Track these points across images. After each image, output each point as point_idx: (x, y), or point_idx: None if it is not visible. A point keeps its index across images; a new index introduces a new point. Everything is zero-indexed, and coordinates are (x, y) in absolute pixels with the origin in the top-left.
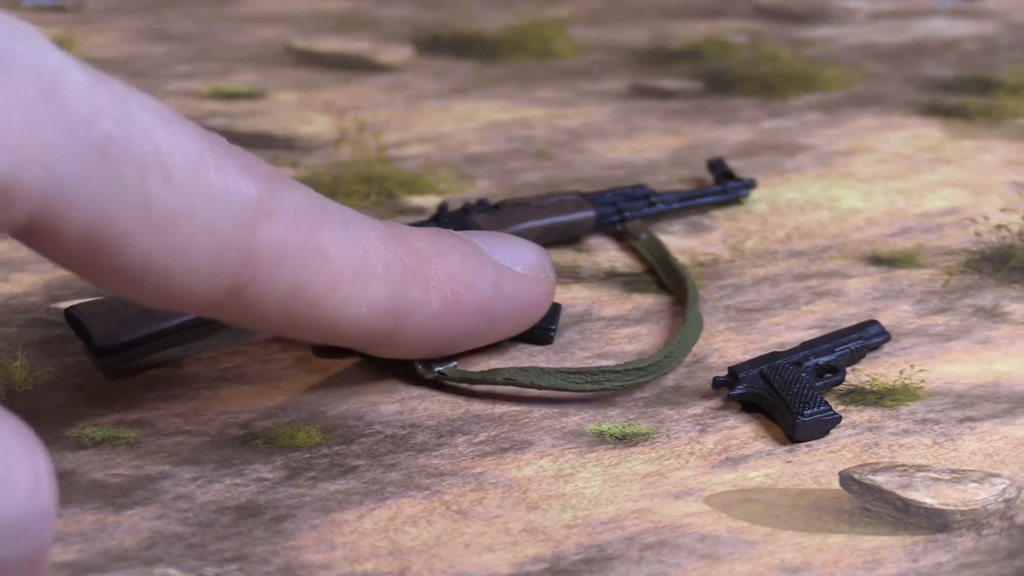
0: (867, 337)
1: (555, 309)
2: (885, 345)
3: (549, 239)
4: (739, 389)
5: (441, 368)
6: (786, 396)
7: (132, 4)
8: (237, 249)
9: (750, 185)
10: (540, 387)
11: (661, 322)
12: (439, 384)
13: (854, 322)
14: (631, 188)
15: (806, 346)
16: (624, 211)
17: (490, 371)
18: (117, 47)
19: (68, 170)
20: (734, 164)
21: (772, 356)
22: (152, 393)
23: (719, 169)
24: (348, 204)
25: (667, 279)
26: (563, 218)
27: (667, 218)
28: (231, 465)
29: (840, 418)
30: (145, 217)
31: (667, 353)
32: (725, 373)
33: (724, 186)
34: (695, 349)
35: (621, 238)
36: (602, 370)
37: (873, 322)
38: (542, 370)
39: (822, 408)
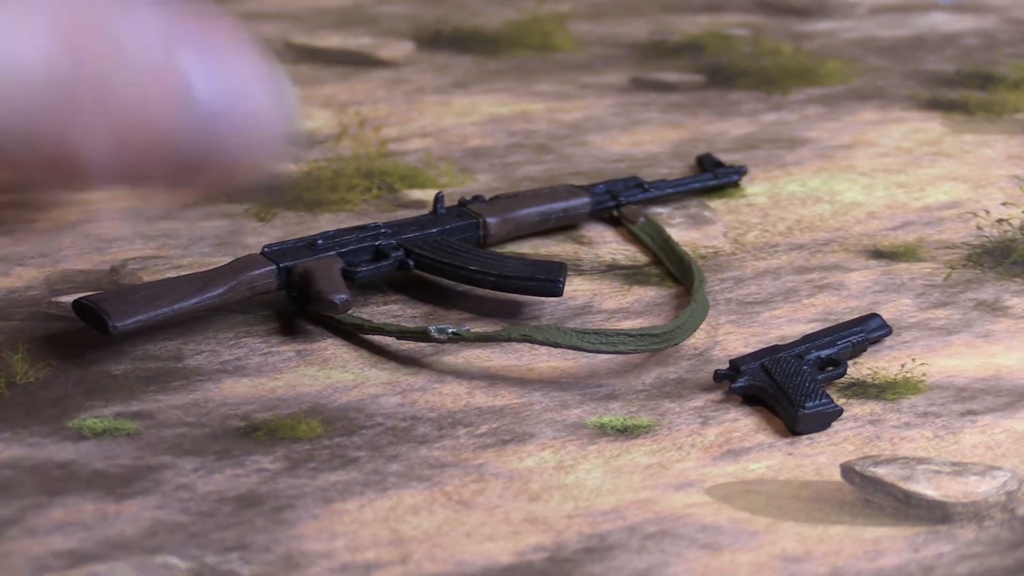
0: (868, 330)
1: (561, 267)
2: (886, 339)
3: (547, 227)
4: (741, 382)
5: (455, 330)
6: (788, 389)
7: None
8: None
9: (740, 172)
10: (556, 345)
11: (662, 315)
12: (457, 338)
13: (855, 315)
14: (623, 179)
15: (807, 339)
16: (618, 195)
17: (505, 329)
18: None
19: None
20: (735, 157)
21: (773, 349)
22: (153, 385)
23: (708, 161)
24: (349, 198)
25: (671, 264)
26: (559, 204)
27: (667, 208)
28: (232, 456)
29: (841, 411)
30: None
31: (679, 324)
32: (726, 366)
33: (715, 172)
34: (696, 342)
35: (619, 224)
36: (618, 333)
37: (874, 315)
38: (559, 329)
39: (824, 401)
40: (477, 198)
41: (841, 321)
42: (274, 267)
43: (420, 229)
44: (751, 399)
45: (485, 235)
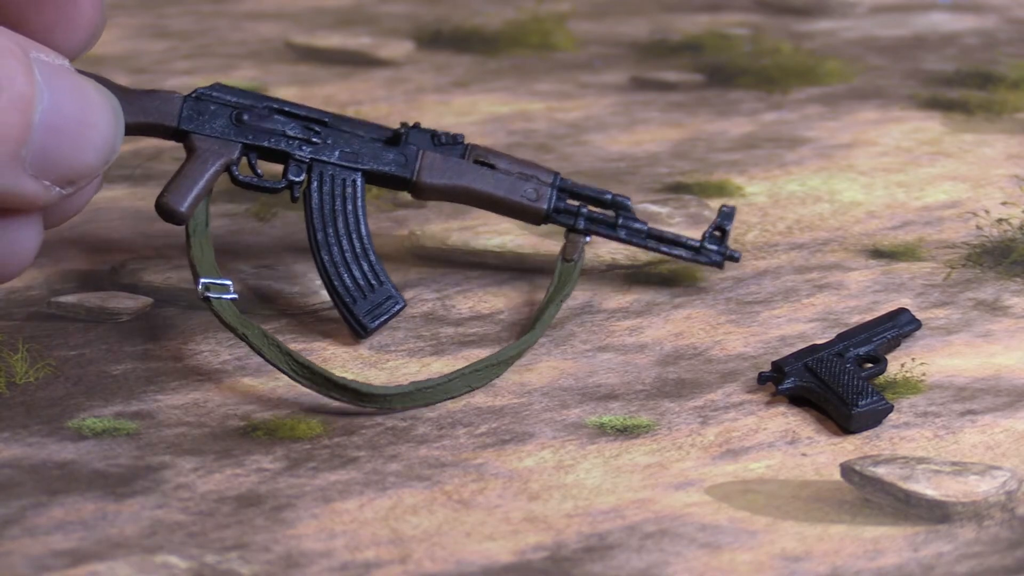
0: (900, 325)
1: (387, 311)
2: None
3: (490, 210)
4: (788, 384)
5: (211, 294)
6: (837, 388)
7: (132, 1)
8: None
9: (731, 258)
10: (263, 357)
11: (662, 314)
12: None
13: (856, 315)
14: (614, 196)
15: (843, 337)
16: (578, 219)
17: (242, 321)
18: (117, 44)
19: None
20: (735, 157)
21: (812, 349)
22: (152, 385)
23: (721, 221)
24: None
25: (541, 310)
26: (508, 197)
27: (666, 208)
28: (232, 455)
29: (892, 406)
30: None
31: (400, 392)
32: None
33: (702, 244)
34: (695, 342)
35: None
36: (324, 375)
37: (903, 310)
38: (277, 345)
39: (875, 398)
40: (455, 139)
41: (845, 318)
42: (173, 124)
43: (347, 159)
44: (797, 400)
45: (413, 193)
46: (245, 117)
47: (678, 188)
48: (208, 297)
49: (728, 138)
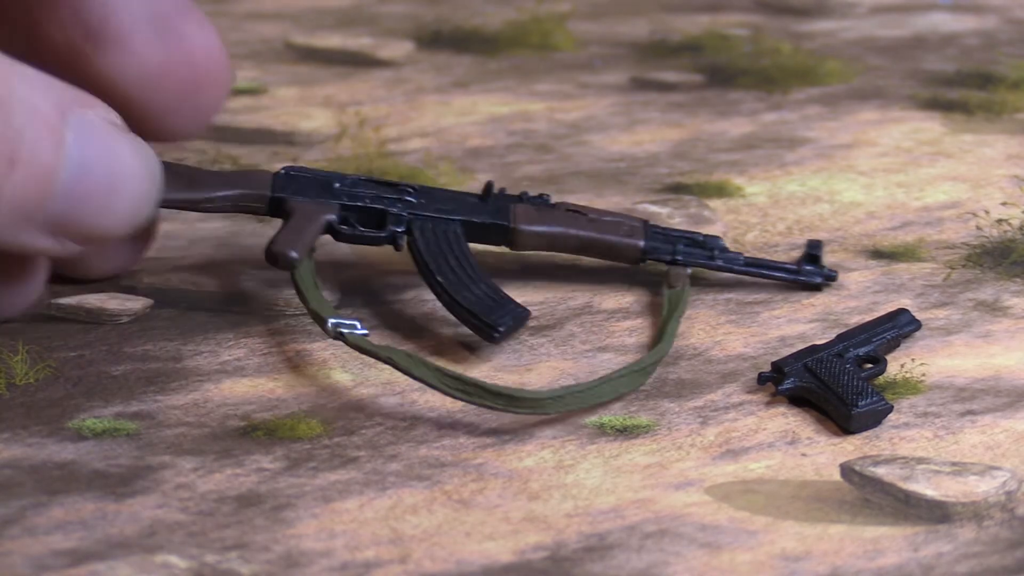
0: (900, 326)
1: (516, 316)
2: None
3: (587, 253)
4: (787, 384)
5: (343, 330)
6: (836, 388)
7: None
8: None
9: (830, 277)
10: (413, 376)
11: (659, 316)
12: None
13: (855, 315)
14: (704, 236)
15: (843, 338)
16: (678, 254)
17: (384, 347)
18: None
19: None
20: (735, 157)
21: (812, 349)
22: (152, 386)
23: (811, 250)
24: None
25: (663, 328)
26: (605, 237)
27: (666, 209)
28: (232, 455)
29: (892, 407)
30: None
31: (553, 396)
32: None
33: (799, 267)
34: (695, 342)
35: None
36: (477, 384)
37: (903, 311)
38: (424, 362)
39: (875, 398)
40: (541, 196)
41: (844, 319)
42: (268, 193)
43: (444, 212)
44: (797, 400)
45: (512, 242)
46: (336, 185)
47: (678, 188)
48: (342, 333)
49: (728, 138)
